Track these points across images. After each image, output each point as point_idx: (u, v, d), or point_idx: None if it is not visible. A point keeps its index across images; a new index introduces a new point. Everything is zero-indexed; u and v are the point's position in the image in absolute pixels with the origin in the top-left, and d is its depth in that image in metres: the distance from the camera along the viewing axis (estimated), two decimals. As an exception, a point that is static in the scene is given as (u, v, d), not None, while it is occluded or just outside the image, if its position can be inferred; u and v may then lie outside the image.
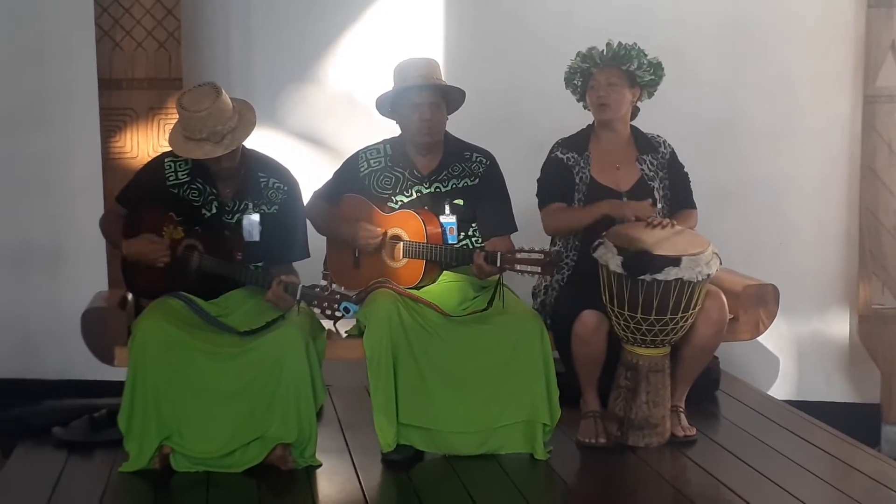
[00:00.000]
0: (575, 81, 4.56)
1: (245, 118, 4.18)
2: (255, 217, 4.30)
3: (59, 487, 3.93)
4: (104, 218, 4.50)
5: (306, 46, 5.53)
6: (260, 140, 4.43)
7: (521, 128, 5.47)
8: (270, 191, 4.34)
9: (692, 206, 4.64)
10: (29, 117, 5.45)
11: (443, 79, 4.45)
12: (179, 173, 4.30)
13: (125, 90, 5.04)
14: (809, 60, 5.59)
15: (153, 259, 4.20)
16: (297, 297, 4.08)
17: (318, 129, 5.54)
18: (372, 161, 4.53)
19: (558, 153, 4.56)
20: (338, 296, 4.06)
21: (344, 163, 4.60)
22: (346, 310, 4.05)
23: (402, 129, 4.49)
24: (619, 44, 4.44)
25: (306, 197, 4.52)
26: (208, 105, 4.07)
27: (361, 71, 5.49)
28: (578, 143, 4.57)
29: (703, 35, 5.56)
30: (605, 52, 4.45)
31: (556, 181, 4.53)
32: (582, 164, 4.52)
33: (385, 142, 4.57)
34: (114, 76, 5.03)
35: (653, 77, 4.50)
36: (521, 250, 4.15)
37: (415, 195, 4.48)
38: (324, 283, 4.08)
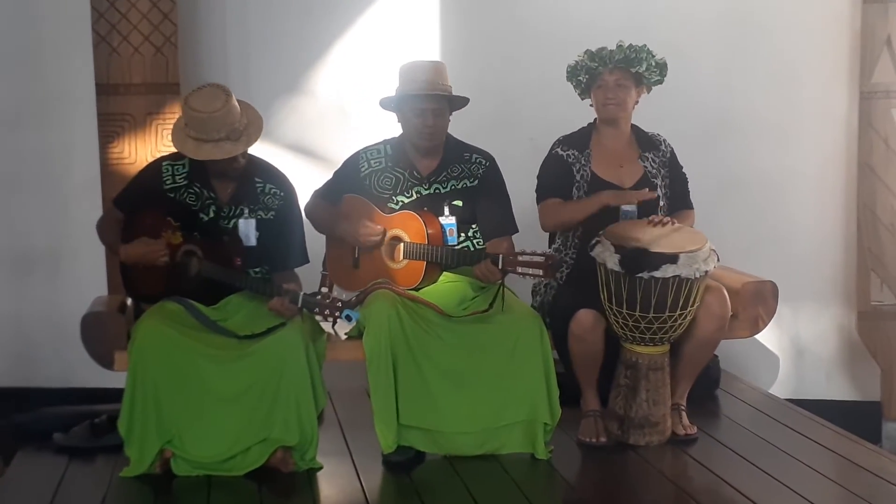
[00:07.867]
0: (580, 77, 4.55)
1: (253, 114, 4.20)
2: (252, 220, 4.28)
3: (59, 493, 3.93)
4: (101, 222, 4.47)
5: (302, 54, 5.51)
6: (252, 150, 4.39)
7: (519, 126, 5.46)
8: (267, 196, 4.33)
9: (689, 206, 4.65)
10: (27, 121, 5.43)
11: (448, 81, 4.42)
12: (177, 177, 4.29)
13: (122, 95, 5.04)
14: (806, 56, 5.58)
15: (153, 259, 4.18)
16: (299, 304, 4.08)
17: (309, 139, 5.51)
18: (372, 161, 4.53)
19: (558, 150, 4.56)
20: (339, 303, 4.05)
21: (344, 162, 4.59)
22: (349, 318, 4.04)
23: (403, 129, 4.48)
24: (630, 46, 4.44)
25: (305, 199, 4.52)
26: (221, 105, 4.07)
27: (355, 80, 5.47)
28: (579, 140, 4.58)
29: (699, 30, 5.55)
30: (615, 54, 4.45)
31: (555, 177, 4.53)
32: (583, 162, 4.52)
33: (385, 142, 4.57)
34: (111, 81, 5.03)
35: (658, 78, 4.53)
36: (524, 252, 4.13)
37: (415, 196, 4.47)
38: (325, 290, 4.07)
